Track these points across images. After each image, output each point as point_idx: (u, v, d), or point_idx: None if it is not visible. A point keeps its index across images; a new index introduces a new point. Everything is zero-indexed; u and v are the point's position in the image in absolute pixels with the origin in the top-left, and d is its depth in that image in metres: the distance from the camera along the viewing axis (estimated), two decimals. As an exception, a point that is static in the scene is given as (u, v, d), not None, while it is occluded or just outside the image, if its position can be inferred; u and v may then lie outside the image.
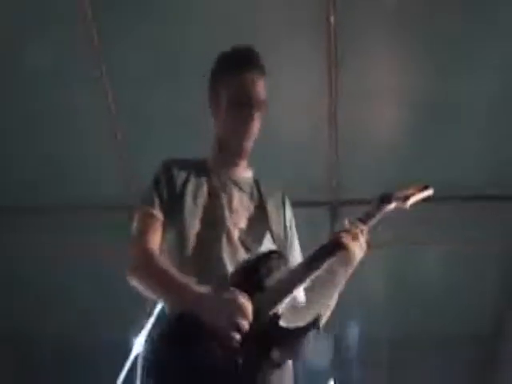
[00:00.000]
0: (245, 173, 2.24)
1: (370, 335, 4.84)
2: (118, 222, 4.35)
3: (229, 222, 2.06)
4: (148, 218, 2.04)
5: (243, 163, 2.22)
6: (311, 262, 1.94)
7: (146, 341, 3.31)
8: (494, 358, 5.15)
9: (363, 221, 2.04)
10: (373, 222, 2.07)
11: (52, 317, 4.98)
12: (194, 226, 2.03)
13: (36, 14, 3.77)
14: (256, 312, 1.78)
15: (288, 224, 2.22)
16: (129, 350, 3.38)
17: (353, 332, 4.79)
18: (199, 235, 2.02)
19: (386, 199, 2.14)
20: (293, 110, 3.99)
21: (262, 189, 2.22)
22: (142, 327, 3.30)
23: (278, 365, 1.79)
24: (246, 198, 2.16)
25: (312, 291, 2.06)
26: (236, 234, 2.05)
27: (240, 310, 1.75)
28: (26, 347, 5.25)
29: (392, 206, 2.14)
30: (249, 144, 2.15)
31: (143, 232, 2.02)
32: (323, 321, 2.02)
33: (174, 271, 1.93)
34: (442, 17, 3.72)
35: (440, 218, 4.22)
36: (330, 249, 1.95)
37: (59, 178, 4.41)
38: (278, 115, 3.44)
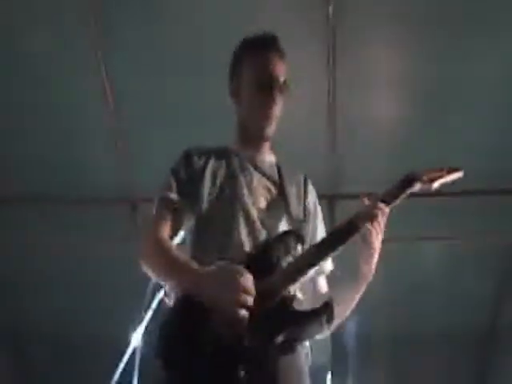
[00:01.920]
0: (266, 157, 2.20)
1: (369, 331, 4.80)
2: (118, 217, 4.38)
3: (247, 200, 2.03)
4: (164, 203, 2.02)
5: (265, 147, 2.20)
6: (327, 244, 1.88)
7: (145, 334, 3.30)
8: (495, 353, 5.12)
9: (386, 201, 1.93)
10: (395, 203, 1.96)
11: (48, 309, 4.94)
12: (211, 205, 2.01)
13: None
14: (268, 292, 1.74)
15: (311, 207, 2.18)
16: (127, 345, 3.36)
17: (352, 328, 4.74)
18: (216, 213, 1.99)
19: (410, 180, 2.03)
20: (290, 101, 3.92)
21: (284, 173, 2.17)
22: (140, 321, 3.28)
23: (285, 349, 1.73)
24: (265, 181, 2.13)
25: (333, 288, 2.04)
26: (255, 213, 2.01)
27: (242, 285, 1.70)
28: (21, 343, 5.21)
29: (416, 187, 2.03)
30: (270, 127, 2.12)
31: (156, 219, 2.01)
32: (339, 319, 1.97)
33: (177, 253, 1.91)
34: (442, 4, 3.69)
35: (441, 210, 4.19)
36: (348, 230, 1.87)
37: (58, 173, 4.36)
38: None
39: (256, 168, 2.14)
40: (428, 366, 4.98)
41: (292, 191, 2.14)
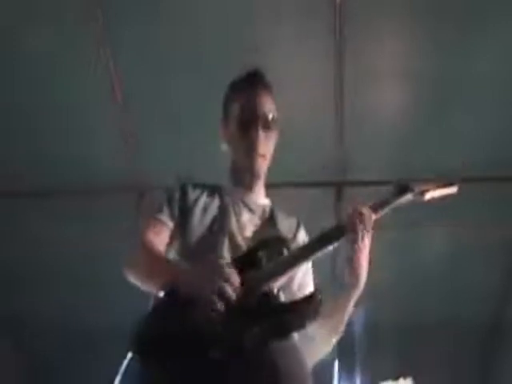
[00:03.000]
0: (259, 199, 2.20)
1: (376, 321, 4.77)
2: (123, 205, 4.37)
3: (233, 228, 2.03)
4: (154, 223, 2.04)
5: (258, 187, 2.19)
6: (312, 245, 1.89)
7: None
8: (502, 345, 5.08)
9: (374, 208, 1.95)
10: (385, 210, 1.99)
11: (53, 301, 4.94)
12: (199, 234, 2.01)
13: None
14: (248, 288, 1.73)
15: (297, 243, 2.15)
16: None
17: (358, 317, 4.72)
18: (202, 242, 1.99)
19: (402, 189, 2.05)
20: (297, 90, 3.91)
21: (276, 214, 2.16)
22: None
23: (262, 342, 1.69)
24: (256, 220, 2.12)
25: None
26: (239, 238, 2.01)
27: (225, 275, 1.69)
28: (25, 334, 5.21)
29: (408, 196, 2.06)
30: (259, 166, 2.11)
31: (145, 233, 2.01)
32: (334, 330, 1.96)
33: (159, 253, 1.94)
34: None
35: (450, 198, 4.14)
36: (335, 232, 1.88)
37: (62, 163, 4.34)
38: (282, 94, 3.36)
39: (247, 206, 2.13)
40: (433, 356, 4.94)
41: (282, 228, 2.12)
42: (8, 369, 5.13)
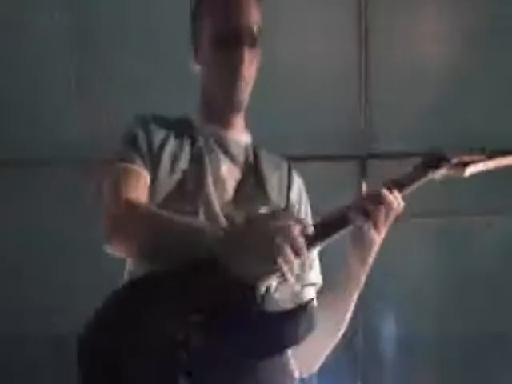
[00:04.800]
0: (239, 135, 1.78)
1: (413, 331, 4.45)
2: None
3: (211, 193, 1.61)
4: (127, 174, 1.58)
5: (237, 122, 1.77)
6: (319, 231, 1.45)
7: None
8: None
9: (399, 185, 1.53)
10: (411, 188, 1.57)
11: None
12: (168, 196, 1.59)
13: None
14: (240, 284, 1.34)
15: (294, 199, 1.76)
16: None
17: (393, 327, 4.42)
18: (170, 205, 1.56)
19: (435, 160, 1.63)
20: (320, 53, 3.63)
21: (262, 158, 1.76)
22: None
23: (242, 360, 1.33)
24: (237, 167, 1.71)
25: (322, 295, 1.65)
26: (217, 207, 1.60)
27: (296, 233, 1.32)
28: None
29: (442, 171, 1.63)
30: (240, 94, 1.69)
31: (121, 186, 1.56)
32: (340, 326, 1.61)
33: (169, 216, 1.49)
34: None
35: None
36: (337, 222, 1.48)
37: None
38: (302, 57, 3.29)
39: (225, 152, 1.72)
40: (475, 370, 4.53)
41: (272, 180, 1.73)
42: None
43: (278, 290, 1.46)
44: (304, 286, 1.68)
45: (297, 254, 1.31)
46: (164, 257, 1.41)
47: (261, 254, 1.31)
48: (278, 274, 1.32)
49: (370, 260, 1.55)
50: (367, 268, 1.57)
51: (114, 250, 1.52)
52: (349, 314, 1.61)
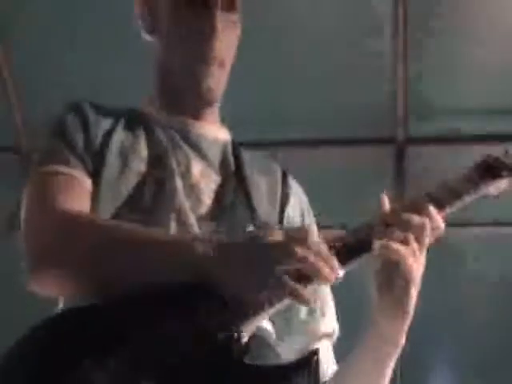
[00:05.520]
0: (212, 131, 1.34)
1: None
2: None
3: (182, 202, 1.21)
4: (58, 180, 1.18)
5: (209, 113, 1.33)
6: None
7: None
8: None
9: (438, 203, 1.14)
10: (458, 205, 1.17)
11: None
12: (120, 209, 1.18)
13: None
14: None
15: (291, 215, 1.33)
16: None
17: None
18: (130, 220, 1.15)
19: (491, 169, 1.23)
20: (350, 25, 3.34)
21: (245, 159, 1.33)
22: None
23: None
24: (212, 174, 1.28)
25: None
26: (194, 220, 1.20)
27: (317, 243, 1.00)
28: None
29: (502, 183, 1.24)
30: (211, 78, 1.26)
31: (52, 195, 1.15)
32: None
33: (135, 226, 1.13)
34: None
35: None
36: (355, 248, 1.08)
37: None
38: (332, 31, 3.14)
39: (196, 149, 1.29)
40: None
41: (259, 187, 1.31)
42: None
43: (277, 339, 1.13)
44: (314, 337, 1.28)
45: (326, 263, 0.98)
46: (120, 287, 1.03)
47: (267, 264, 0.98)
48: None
49: (412, 304, 1.12)
50: (408, 318, 1.13)
51: (41, 286, 1.13)
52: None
